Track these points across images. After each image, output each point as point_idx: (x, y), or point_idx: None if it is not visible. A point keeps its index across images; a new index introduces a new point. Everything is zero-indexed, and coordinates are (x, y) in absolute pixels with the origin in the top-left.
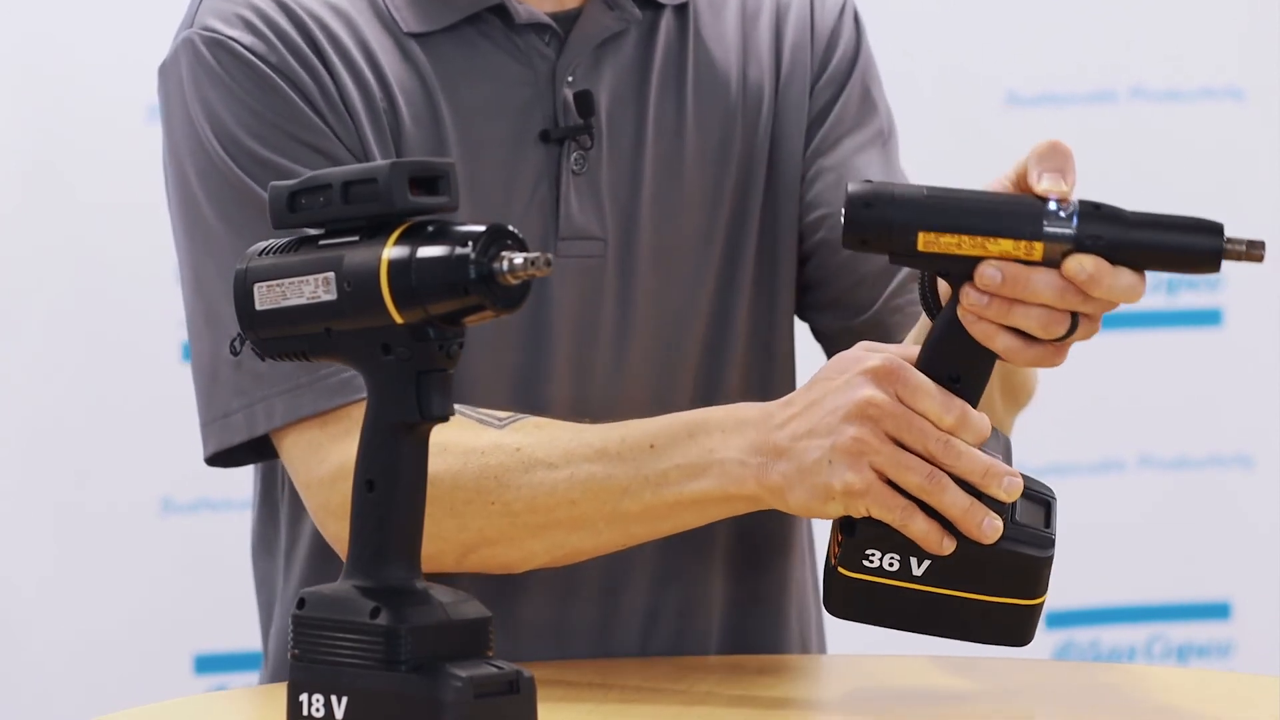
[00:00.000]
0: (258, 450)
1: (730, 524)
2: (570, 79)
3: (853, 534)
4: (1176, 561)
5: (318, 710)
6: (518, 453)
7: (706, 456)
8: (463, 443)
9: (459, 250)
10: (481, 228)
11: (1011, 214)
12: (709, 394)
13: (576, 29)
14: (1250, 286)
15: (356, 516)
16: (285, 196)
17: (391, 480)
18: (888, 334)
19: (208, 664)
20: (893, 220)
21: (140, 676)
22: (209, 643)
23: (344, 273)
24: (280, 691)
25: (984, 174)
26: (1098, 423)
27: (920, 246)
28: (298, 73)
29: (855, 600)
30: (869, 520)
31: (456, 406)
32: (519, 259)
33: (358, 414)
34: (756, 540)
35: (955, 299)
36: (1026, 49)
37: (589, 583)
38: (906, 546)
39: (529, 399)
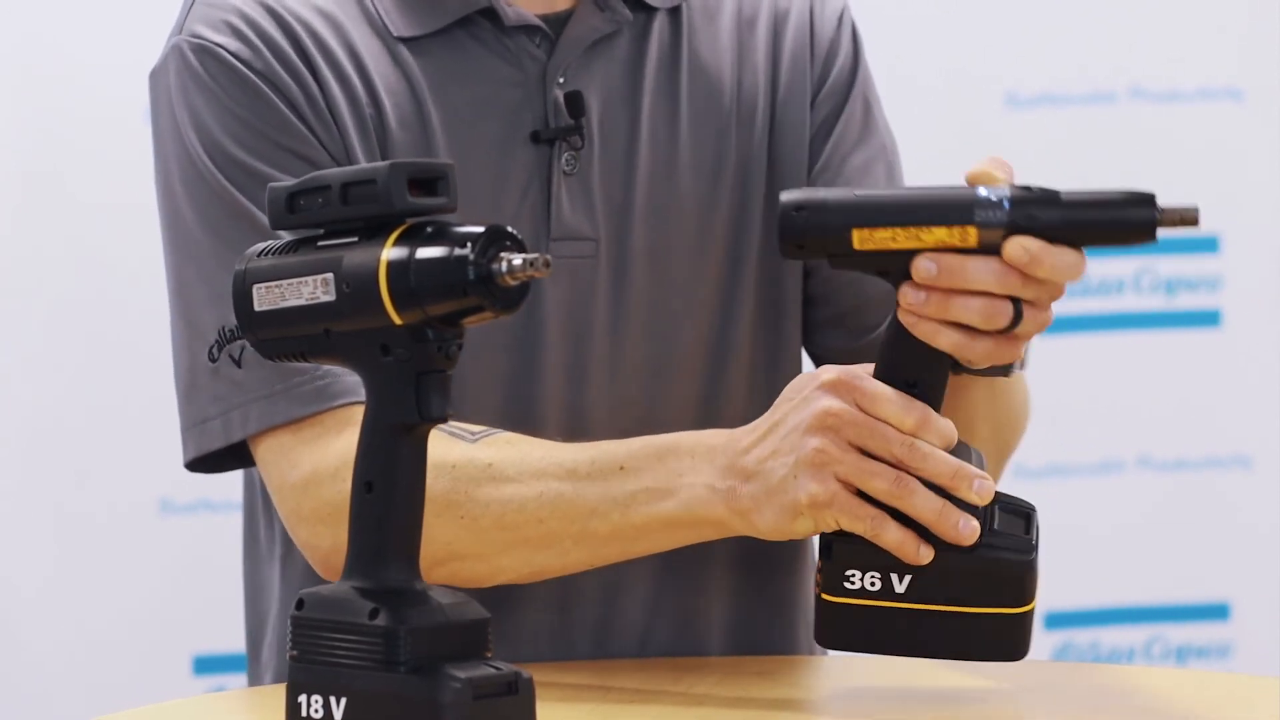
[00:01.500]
0: (238, 456)
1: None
2: (561, 80)
3: (830, 557)
4: (1176, 562)
5: (316, 711)
6: (489, 468)
7: (674, 480)
8: (433, 455)
9: (458, 251)
10: (480, 229)
11: (943, 203)
12: (711, 402)
13: (567, 30)
14: (1249, 288)
15: (355, 518)
16: (284, 197)
17: (390, 481)
18: None
19: (206, 665)
20: (826, 222)
21: (139, 677)
22: (207, 644)
23: (343, 274)
24: (278, 692)
25: None
26: (1097, 424)
27: (856, 244)
28: (284, 80)
29: (843, 627)
30: (844, 539)
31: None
32: (518, 260)
33: (330, 421)
34: (762, 543)
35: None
36: (1026, 50)
37: (590, 585)
38: (885, 564)
39: (521, 401)
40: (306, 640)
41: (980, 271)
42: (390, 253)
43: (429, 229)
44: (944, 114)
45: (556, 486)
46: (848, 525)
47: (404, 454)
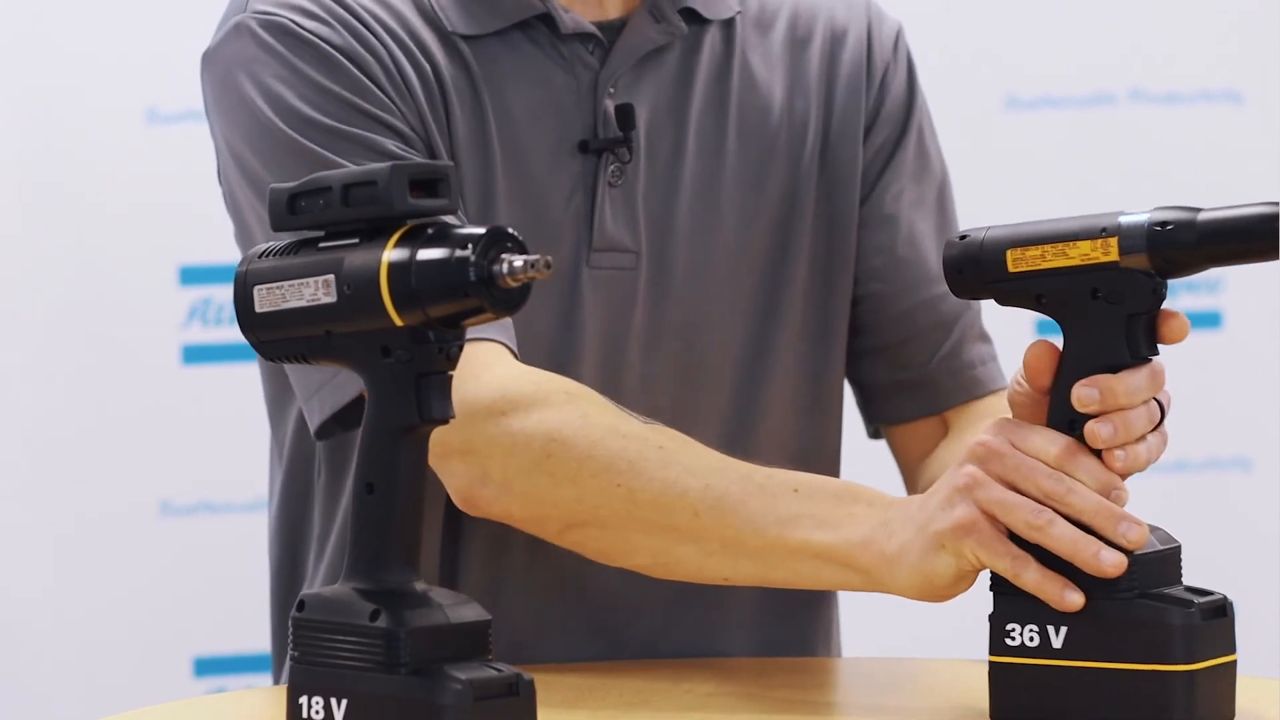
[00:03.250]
0: (344, 421)
1: None
2: (612, 90)
3: (993, 612)
4: None
5: (317, 713)
6: (660, 450)
7: (843, 517)
8: (606, 420)
9: (459, 253)
10: (481, 230)
11: (1087, 221)
12: (745, 418)
13: (621, 40)
14: (1250, 289)
15: (355, 518)
16: (285, 199)
17: (391, 483)
18: (940, 397)
19: (207, 667)
20: (983, 243)
21: (140, 679)
22: (208, 645)
23: (344, 275)
24: (278, 694)
25: (984, 177)
26: None
27: (1010, 266)
28: (359, 52)
29: (1010, 693)
30: (1003, 592)
31: (604, 399)
32: (519, 261)
33: (473, 355)
34: None
35: (1066, 341)
36: (1026, 52)
37: (609, 594)
38: (1043, 615)
39: None
40: (307, 642)
41: (1138, 383)
42: (391, 254)
43: (430, 230)
44: (944, 116)
45: (724, 485)
46: (988, 560)
47: (405, 455)
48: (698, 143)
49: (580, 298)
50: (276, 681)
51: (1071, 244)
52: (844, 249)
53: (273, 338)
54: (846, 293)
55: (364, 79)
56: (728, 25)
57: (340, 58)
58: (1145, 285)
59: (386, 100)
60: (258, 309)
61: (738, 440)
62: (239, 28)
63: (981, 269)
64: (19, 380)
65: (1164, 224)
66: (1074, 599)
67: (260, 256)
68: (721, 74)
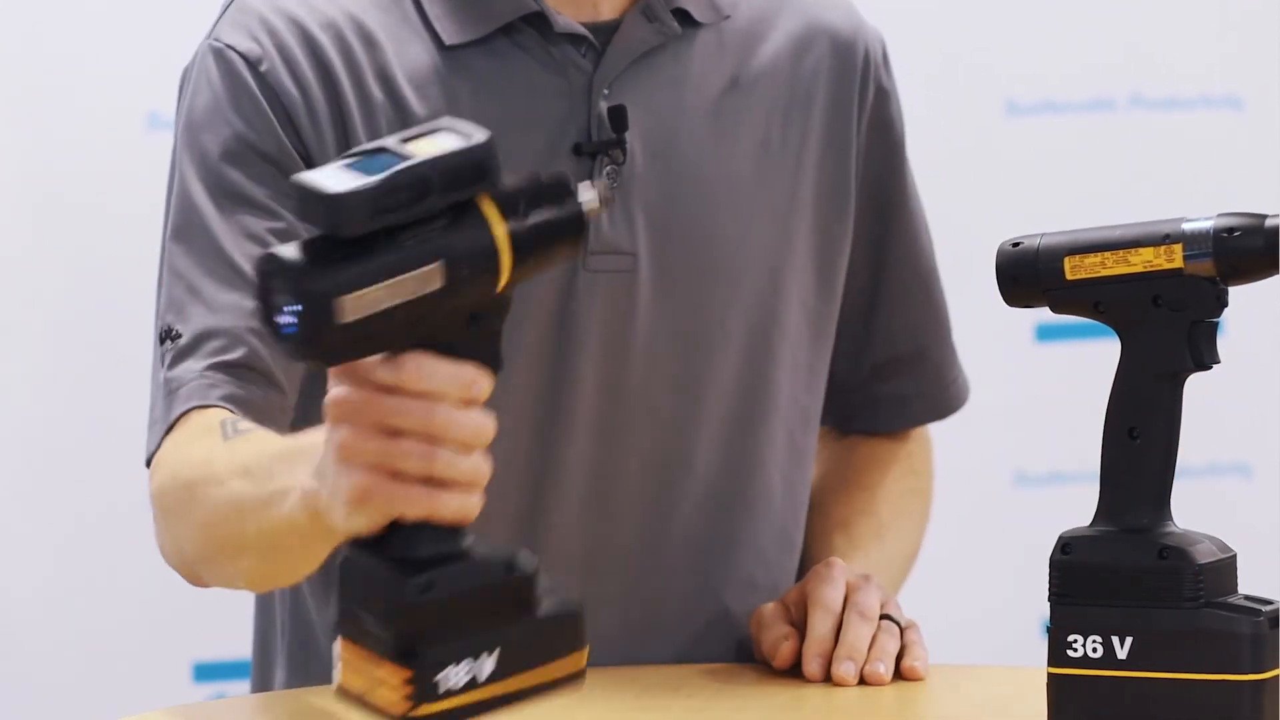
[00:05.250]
0: None
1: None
2: (606, 91)
3: (1052, 623)
4: None
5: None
6: (207, 465)
7: (290, 481)
8: (180, 455)
9: (570, 206)
10: (554, 178)
11: (1148, 227)
12: (749, 422)
13: (615, 41)
14: (1250, 296)
15: None
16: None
17: None
18: (855, 418)
19: (206, 672)
20: (1038, 250)
21: (139, 684)
22: (208, 651)
23: (455, 257)
24: (278, 699)
25: (984, 182)
26: (1098, 432)
27: (1068, 274)
28: (285, 88)
29: (1071, 705)
30: (1064, 603)
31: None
32: (592, 192)
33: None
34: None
35: (1125, 349)
36: (1026, 58)
37: (615, 629)
38: (1107, 625)
39: (553, 412)
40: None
41: None
42: (506, 226)
43: (511, 192)
44: (944, 122)
45: (237, 486)
46: (404, 512)
47: None
48: (694, 143)
49: (575, 302)
50: (255, 683)
51: (1133, 250)
52: (841, 239)
53: (351, 343)
54: (837, 290)
55: (272, 119)
56: (720, 28)
57: (258, 92)
58: (1209, 292)
59: (287, 144)
60: (344, 320)
61: (746, 440)
62: (201, 50)
63: (1038, 276)
64: (21, 385)
65: (1230, 230)
66: (451, 501)
67: (325, 268)
68: (716, 77)
